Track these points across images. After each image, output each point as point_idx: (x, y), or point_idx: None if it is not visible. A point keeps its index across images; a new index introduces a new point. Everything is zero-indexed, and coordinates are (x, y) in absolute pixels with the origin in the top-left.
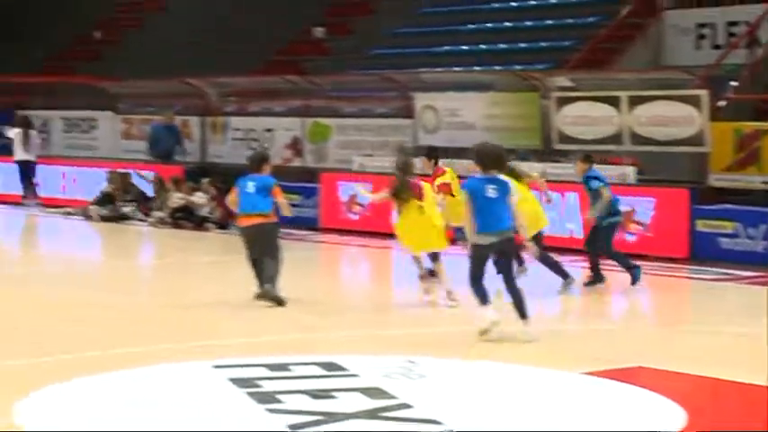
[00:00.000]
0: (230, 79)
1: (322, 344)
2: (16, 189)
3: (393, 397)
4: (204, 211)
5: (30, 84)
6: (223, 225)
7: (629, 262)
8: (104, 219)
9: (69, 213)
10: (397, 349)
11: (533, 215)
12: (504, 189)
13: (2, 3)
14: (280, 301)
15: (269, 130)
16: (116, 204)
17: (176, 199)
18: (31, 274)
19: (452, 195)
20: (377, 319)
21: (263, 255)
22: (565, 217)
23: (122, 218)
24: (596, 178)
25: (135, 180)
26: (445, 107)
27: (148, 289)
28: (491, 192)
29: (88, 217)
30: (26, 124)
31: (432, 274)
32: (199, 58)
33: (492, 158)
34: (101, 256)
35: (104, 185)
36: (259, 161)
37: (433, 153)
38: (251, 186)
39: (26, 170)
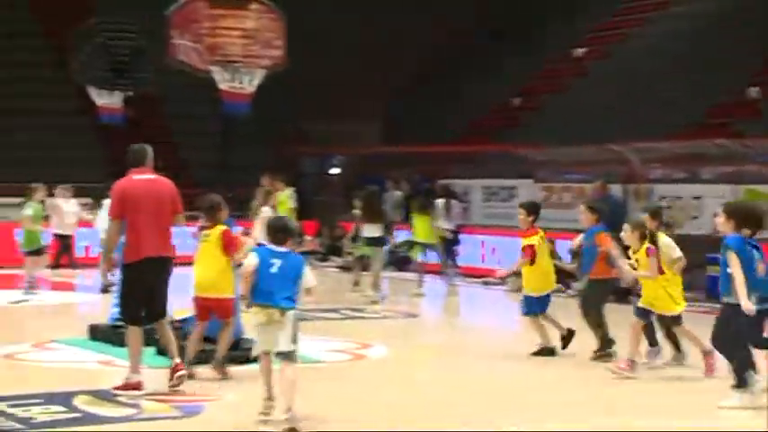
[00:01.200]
0: (654, 144)
1: None
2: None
3: None
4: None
5: (449, 153)
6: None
7: None
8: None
9: (488, 283)
10: None
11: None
12: (760, 250)
13: (419, 75)
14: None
15: (697, 198)
16: None
17: None
18: (454, 343)
19: (532, 263)
20: None
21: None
22: None
23: None
24: None
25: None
26: None
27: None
28: (751, 252)
29: (507, 287)
30: (449, 194)
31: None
32: (620, 122)
33: (745, 216)
34: (519, 327)
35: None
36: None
37: (534, 209)
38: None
39: (447, 240)
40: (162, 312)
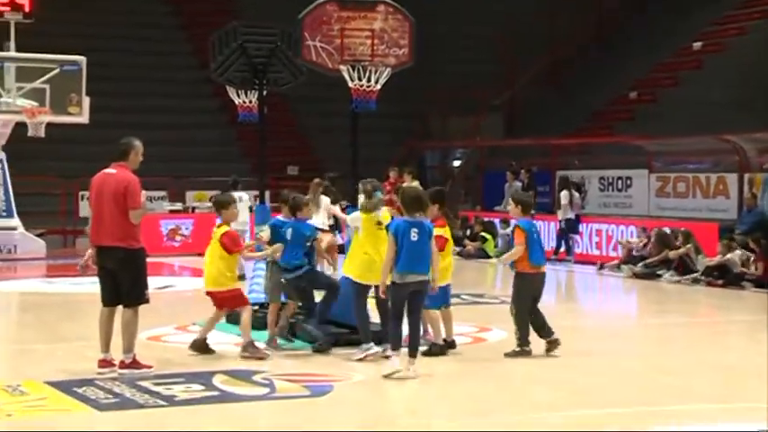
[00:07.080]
0: None
1: None
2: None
3: None
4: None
5: (568, 145)
6: (762, 284)
7: None
8: (636, 275)
9: (603, 267)
10: None
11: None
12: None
13: (541, 71)
14: None
15: None
16: (648, 261)
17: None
18: (566, 327)
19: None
20: None
21: None
22: None
23: (654, 275)
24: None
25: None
26: None
27: (680, 348)
28: (414, 234)
29: (621, 274)
30: (570, 185)
31: None
32: (736, 113)
33: (411, 201)
34: (632, 312)
35: (637, 242)
36: None
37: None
38: None
39: (567, 228)
40: (120, 299)
